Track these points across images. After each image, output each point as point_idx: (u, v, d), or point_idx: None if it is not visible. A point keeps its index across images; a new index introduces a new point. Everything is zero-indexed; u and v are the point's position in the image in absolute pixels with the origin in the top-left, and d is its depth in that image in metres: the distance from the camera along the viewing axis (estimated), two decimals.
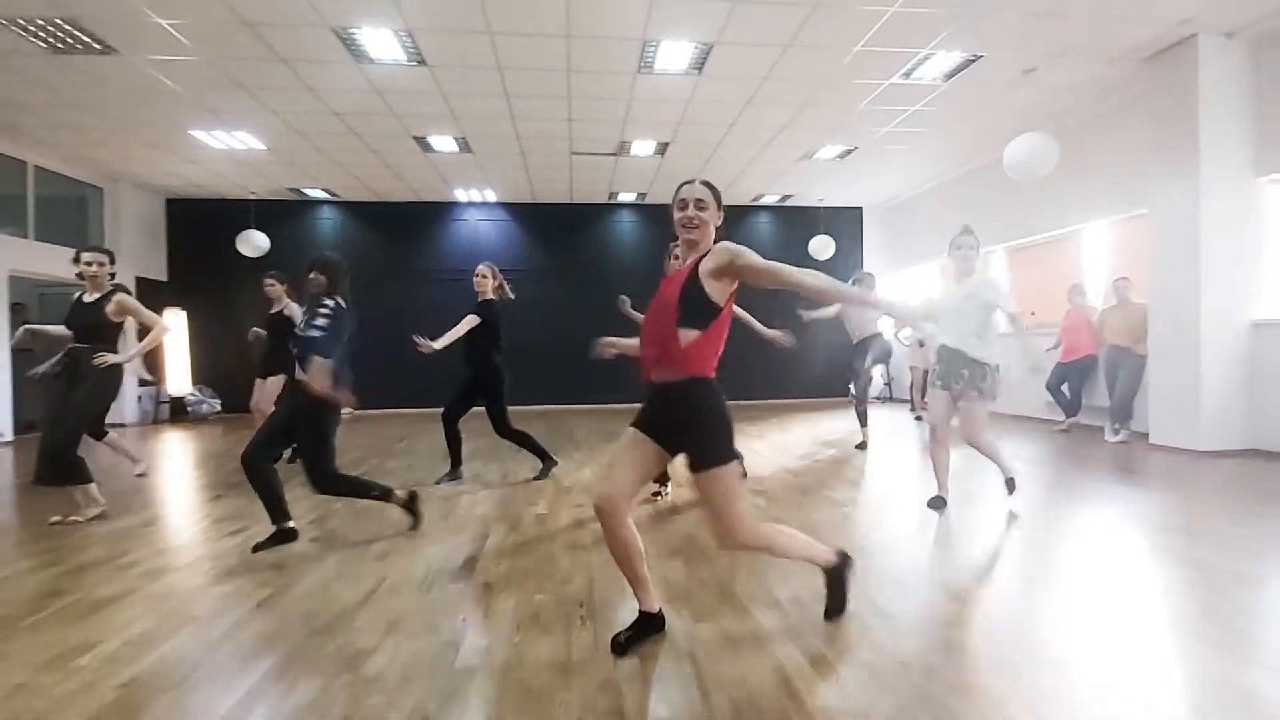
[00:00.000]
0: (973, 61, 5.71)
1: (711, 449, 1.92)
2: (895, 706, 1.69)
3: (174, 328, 9.46)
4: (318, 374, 3.06)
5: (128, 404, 9.19)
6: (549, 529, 3.47)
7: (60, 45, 5.13)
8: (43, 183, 7.99)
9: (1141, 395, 6.08)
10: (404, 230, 10.51)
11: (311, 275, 3.26)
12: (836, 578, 2.24)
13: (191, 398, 9.45)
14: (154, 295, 9.32)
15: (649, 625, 2.09)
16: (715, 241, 2.03)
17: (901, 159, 8.63)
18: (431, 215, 10.56)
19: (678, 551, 3.04)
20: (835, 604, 2.24)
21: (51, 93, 6.07)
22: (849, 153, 8.28)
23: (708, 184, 2.07)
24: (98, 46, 5.16)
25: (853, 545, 3.11)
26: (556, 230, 10.72)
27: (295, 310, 5.79)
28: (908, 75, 5.99)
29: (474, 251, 9.92)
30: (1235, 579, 2.58)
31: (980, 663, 1.96)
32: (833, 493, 4.24)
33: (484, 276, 4.67)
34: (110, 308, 3.84)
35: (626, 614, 2.23)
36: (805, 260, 10.51)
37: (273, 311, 5.63)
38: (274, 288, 5.56)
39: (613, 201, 10.72)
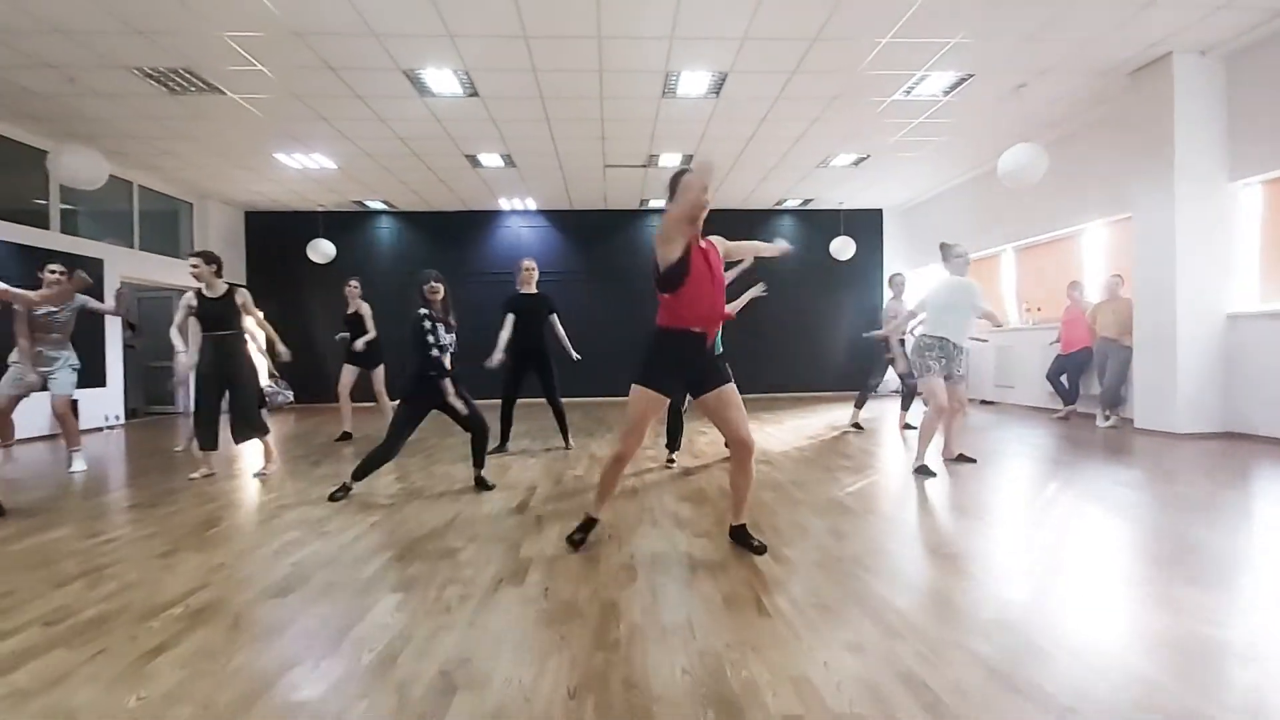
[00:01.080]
0: (966, 79, 6.30)
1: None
2: (829, 583, 2.41)
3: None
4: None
5: None
6: (585, 485, 4.25)
7: (176, 88, 6.14)
8: (145, 199, 9.16)
9: (1129, 383, 6.57)
10: (453, 236, 11.47)
11: (432, 285, 4.01)
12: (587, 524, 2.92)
13: (269, 389, 10.55)
14: None
15: (592, 524, 2.92)
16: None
17: (915, 164, 9.18)
18: (478, 222, 11.50)
19: (687, 498, 3.79)
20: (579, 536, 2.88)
21: (161, 125, 7.12)
22: (863, 159, 8.88)
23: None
24: (205, 87, 6.15)
25: (828, 495, 3.81)
26: (592, 235, 11.55)
27: (366, 310, 6.76)
28: (908, 92, 6.60)
29: (516, 255, 10.79)
30: (1179, 526, 3.20)
31: (906, 562, 2.66)
32: (827, 461, 4.93)
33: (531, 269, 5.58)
34: (238, 299, 4.76)
35: (644, 537, 2.98)
36: (827, 261, 11.12)
37: (349, 312, 6.65)
38: (354, 290, 6.61)
39: (644, 208, 11.50)
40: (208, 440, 4.74)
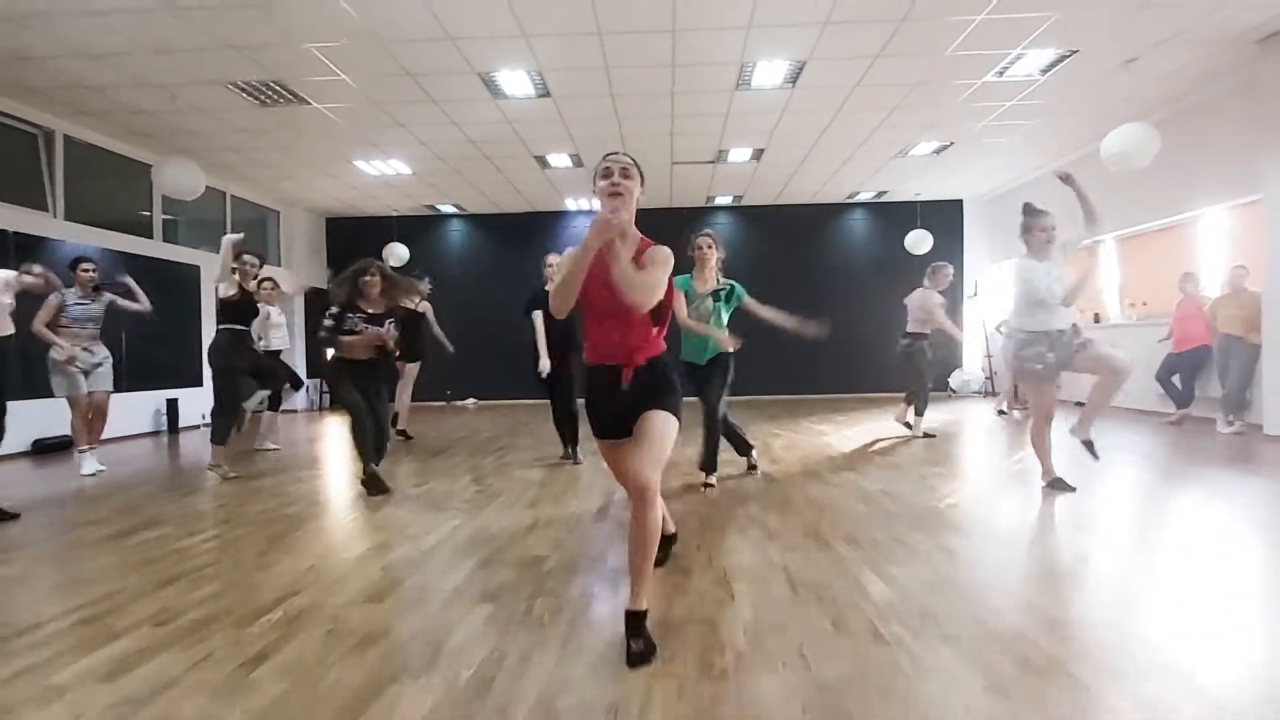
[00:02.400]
0: (1068, 56, 5.83)
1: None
2: (946, 608, 2.19)
3: None
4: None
5: (298, 392, 10.84)
6: (664, 489, 4.12)
7: (267, 100, 6.38)
8: (236, 208, 9.64)
9: (1256, 385, 5.93)
10: (521, 238, 11.58)
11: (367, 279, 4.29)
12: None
13: None
14: (319, 302, 10.99)
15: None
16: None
17: (1002, 151, 8.63)
18: (545, 223, 11.58)
19: (772, 507, 3.61)
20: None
21: (253, 137, 7.44)
22: (945, 148, 8.41)
23: (631, 158, 2.14)
24: (293, 98, 6.37)
25: (925, 506, 3.56)
26: (658, 233, 11.33)
27: (427, 307, 6.81)
28: (1001, 74, 6.16)
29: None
30: None
31: (1036, 590, 2.41)
32: (916, 468, 4.63)
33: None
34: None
35: (733, 550, 2.84)
36: (901, 256, 10.61)
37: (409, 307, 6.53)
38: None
39: (710, 204, 11.31)
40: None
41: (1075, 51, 5.75)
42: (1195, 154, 6.79)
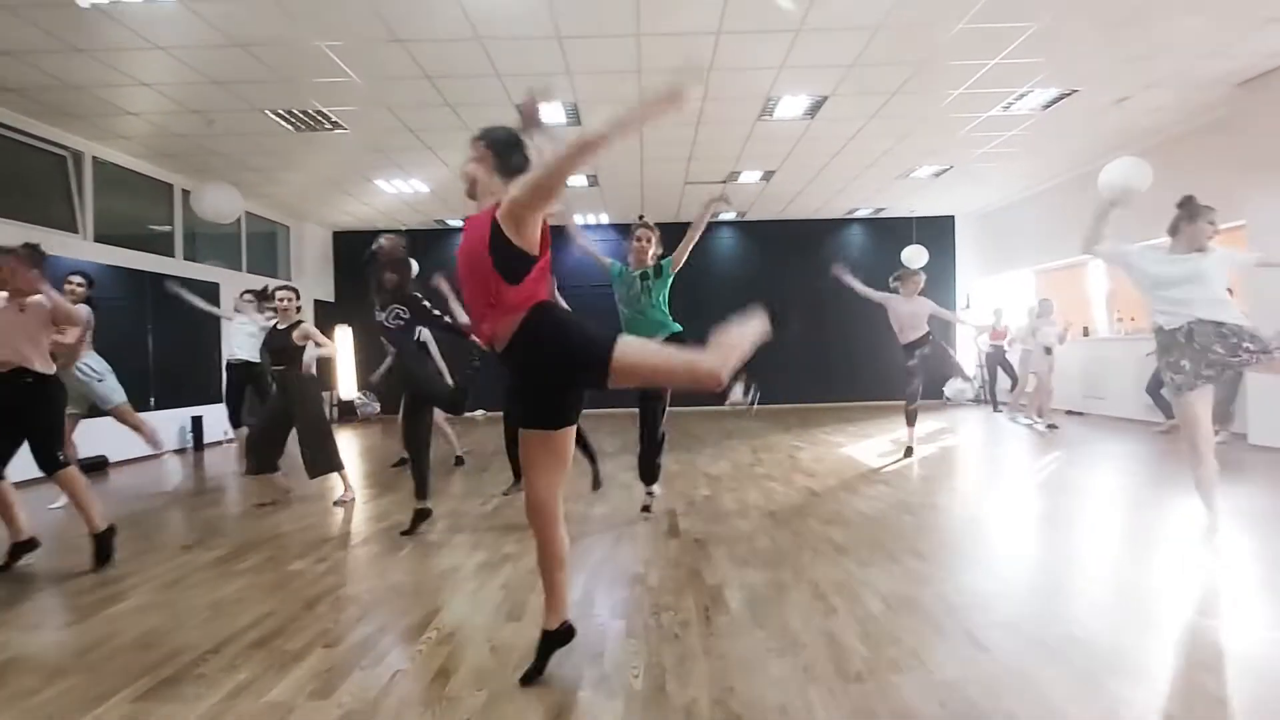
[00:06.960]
0: (1068, 95, 6.29)
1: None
2: (1030, 613, 2.53)
3: (342, 344, 11.14)
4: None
5: None
6: (721, 508, 4.42)
7: (304, 126, 6.54)
8: (249, 223, 9.70)
9: (1241, 397, 6.45)
10: None
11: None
12: None
13: (359, 400, 11.03)
14: (325, 315, 11.06)
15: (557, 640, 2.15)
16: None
17: (995, 174, 9.13)
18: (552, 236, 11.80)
19: (830, 521, 3.93)
20: None
21: (280, 158, 7.57)
22: (944, 171, 8.87)
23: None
24: (332, 125, 6.54)
25: (970, 515, 3.90)
26: (668, 247, 11.74)
27: (429, 337, 6.10)
28: (1006, 108, 6.61)
29: (583, 268, 11.05)
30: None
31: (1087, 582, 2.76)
32: (953, 481, 5.01)
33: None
34: (295, 334, 4.62)
35: (815, 566, 3.15)
36: (895, 269, 11.04)
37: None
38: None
39: (713, 219, 11.65)
40: (252, 465, 4.75)
41: (1075, 91, 6.20)
42: (1179, 181, 7.25)
